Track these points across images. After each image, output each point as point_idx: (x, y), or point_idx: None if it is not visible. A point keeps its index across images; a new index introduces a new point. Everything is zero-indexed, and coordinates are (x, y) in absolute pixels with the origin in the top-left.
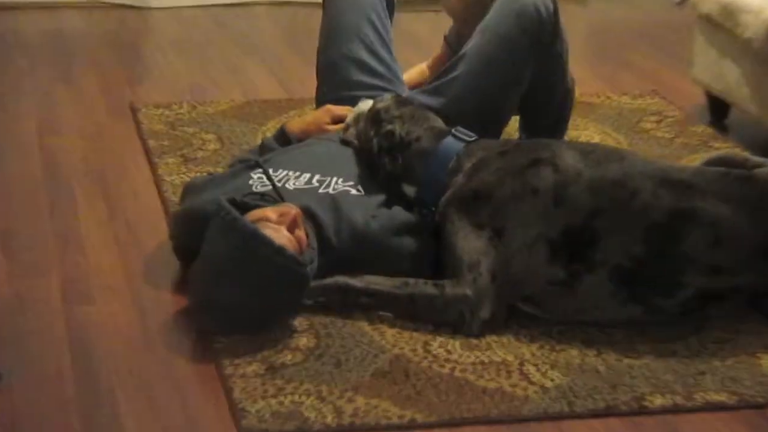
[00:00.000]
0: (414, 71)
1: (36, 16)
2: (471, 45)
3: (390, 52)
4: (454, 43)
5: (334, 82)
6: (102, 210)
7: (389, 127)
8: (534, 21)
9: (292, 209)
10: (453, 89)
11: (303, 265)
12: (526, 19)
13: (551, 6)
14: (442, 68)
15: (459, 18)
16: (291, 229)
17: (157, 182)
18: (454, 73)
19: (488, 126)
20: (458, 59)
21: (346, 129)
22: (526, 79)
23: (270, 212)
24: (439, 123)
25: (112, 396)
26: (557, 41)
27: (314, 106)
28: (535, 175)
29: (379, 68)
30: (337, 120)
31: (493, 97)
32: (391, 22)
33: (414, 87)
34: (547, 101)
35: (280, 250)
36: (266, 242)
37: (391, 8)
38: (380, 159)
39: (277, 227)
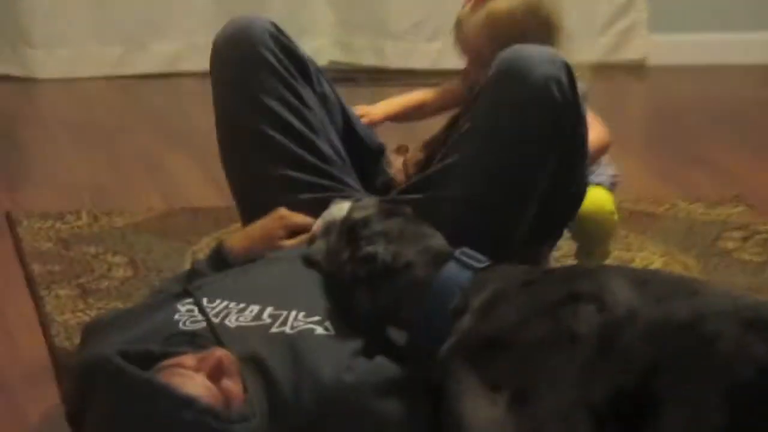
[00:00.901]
0: (410, 99)
1: None
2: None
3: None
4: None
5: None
6: None
7: (369, 248)
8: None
9: (216, 351)
10: (449, 181)
11: (226, 421)
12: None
13: (564, 77)
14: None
15: (480, 60)
16: (213, 377)
17: (44, 323)
18: (450, 160)
19: (500, 243)
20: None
21: (310, 242)
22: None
23: (187, 358)
24: (438, 242)
25: None
26: (580, 122)
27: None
28: (573, 315)
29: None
30: (295, 231)
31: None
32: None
33: (403, 117)
34: (559, 202)
35: (188, 402)
36: (168, 393)
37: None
38: (357, 293)
39: (189, 373)
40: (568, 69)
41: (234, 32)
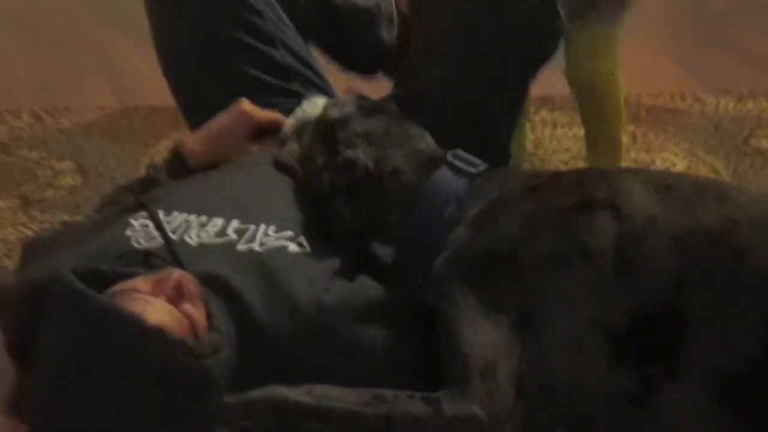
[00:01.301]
0: None
1: None
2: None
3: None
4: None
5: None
6: None
7: (349, 152)
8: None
9: (173, 272)
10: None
11: (197, 354)
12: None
13: None
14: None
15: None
16: (174, 301)
17: None
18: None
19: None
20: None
21: (281, 144)
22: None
23: (141, 281)
24: (427, 143)
25: None
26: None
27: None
28: (585, 225)
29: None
30: (262, 131)
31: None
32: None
33: None
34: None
35: (153, 332)
36: (129, 320)
37: None
38: (335, 203)
39: (148, 297)
40: None
41: None
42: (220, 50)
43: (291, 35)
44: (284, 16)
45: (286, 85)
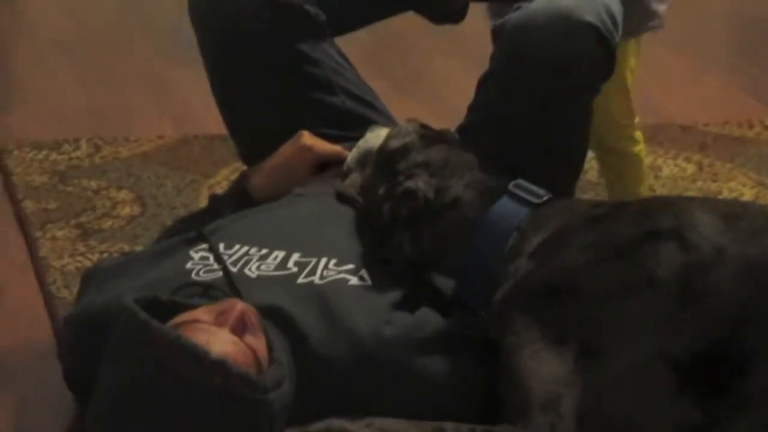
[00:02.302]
0: None
1: None
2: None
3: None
4: None
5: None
6: None
7: (409, 183)
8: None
9: (236, 303)
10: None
11: (260, 388)
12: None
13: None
14: None
15: None
16: (237, 332)
17: (38, 269)
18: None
19: (559, 168)
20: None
21: (345, 176)
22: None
23: (203, 311)
24: (488, 173)
25: None
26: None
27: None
28: (651, 255)
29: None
30: (325, 163)
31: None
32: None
33: None
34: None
35: (218, 365)
36: (194, 354)
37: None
38: (396, 234)
39: (212, 328)
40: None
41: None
42: (283, 109)
43: (348, 76)
44: (339, 58)
45: (348, 133)
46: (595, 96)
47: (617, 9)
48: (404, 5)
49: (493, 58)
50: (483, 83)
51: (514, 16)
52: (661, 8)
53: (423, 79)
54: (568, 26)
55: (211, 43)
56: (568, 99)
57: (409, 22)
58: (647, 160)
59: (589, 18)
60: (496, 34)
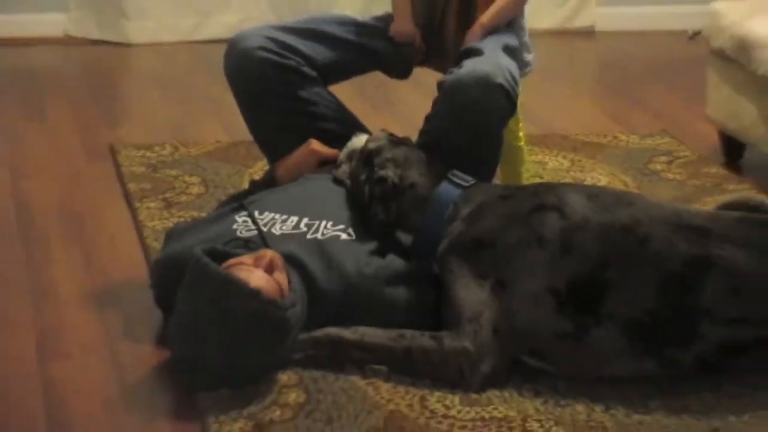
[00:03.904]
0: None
1: (4, 51)
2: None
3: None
4: None
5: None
6: (78, 259)
7: (381, 172)
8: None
9: (267, 252)
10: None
11: (282, 308)
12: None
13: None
14: None
15: None
16: (268, 271)
17: (138, 228)
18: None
19: (481, 169)
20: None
21: (338, 166)
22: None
23: (246, 257)
24: (434, 167)
25: None
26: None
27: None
28: (540, 221)
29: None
30: (325, 162)
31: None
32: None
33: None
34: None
35: (254, 294)
36: (238, 286)
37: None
38: (372, 207)
39: (251, 268)
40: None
41: (233, 64)
42: (293, 135)
43: (335, 107)
44: (329, 96)
45: (338, 146)
46: (504, 128)
47: (516, 71)
48: (372, 68)
49: (435, 103)
50: (429, 119)
51: (449, 77)
52: (529, 57)
53: (392, 103)
54: (486, 86)
55: (240, 93)
56: (487, 132)
57: None
58: (537, 157)
59: (500, 80)
60: (438, 85)
